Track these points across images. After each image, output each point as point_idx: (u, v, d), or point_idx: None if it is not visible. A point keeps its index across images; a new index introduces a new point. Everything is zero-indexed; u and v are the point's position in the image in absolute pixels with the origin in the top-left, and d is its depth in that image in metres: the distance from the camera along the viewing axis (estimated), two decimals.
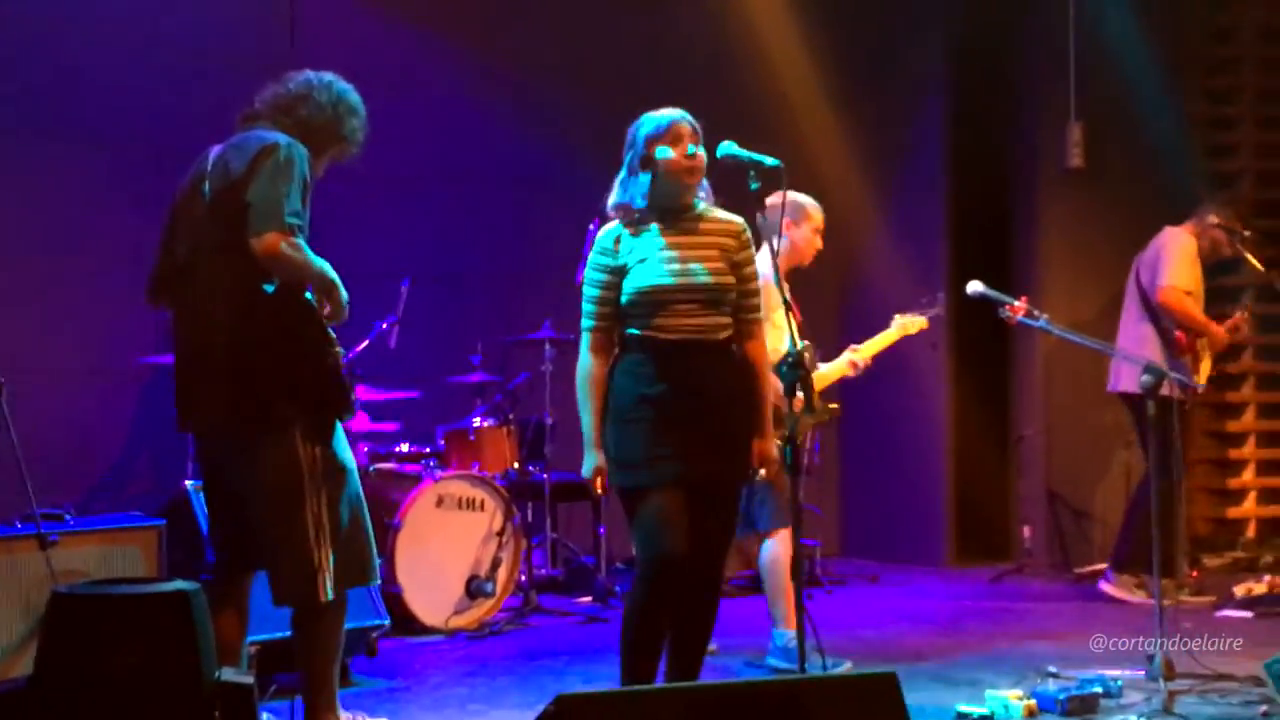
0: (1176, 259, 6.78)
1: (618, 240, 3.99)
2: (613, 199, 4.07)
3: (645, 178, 3.98)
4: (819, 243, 5.49)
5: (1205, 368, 6.80)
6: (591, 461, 3.95)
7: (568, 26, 7.82)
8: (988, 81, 8.32)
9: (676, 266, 3.93)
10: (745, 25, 7.82)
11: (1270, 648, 4.41)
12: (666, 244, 3.96)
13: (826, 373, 5.46)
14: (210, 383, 3.76)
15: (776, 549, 5.16)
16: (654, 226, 3.99)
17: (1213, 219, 6.92)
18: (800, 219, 5.40)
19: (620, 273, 3.95)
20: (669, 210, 4.00)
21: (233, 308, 3.72)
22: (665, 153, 3.96)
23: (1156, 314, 6.78)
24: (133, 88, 6.55)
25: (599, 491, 3.97)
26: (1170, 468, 6.38)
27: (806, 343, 5.30)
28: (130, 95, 6.54)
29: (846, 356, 5.54)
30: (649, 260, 3.93)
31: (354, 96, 4.00)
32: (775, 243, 5.31)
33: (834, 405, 5.44)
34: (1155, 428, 4.86)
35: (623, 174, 4.06)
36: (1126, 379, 6.82)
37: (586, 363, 3.99)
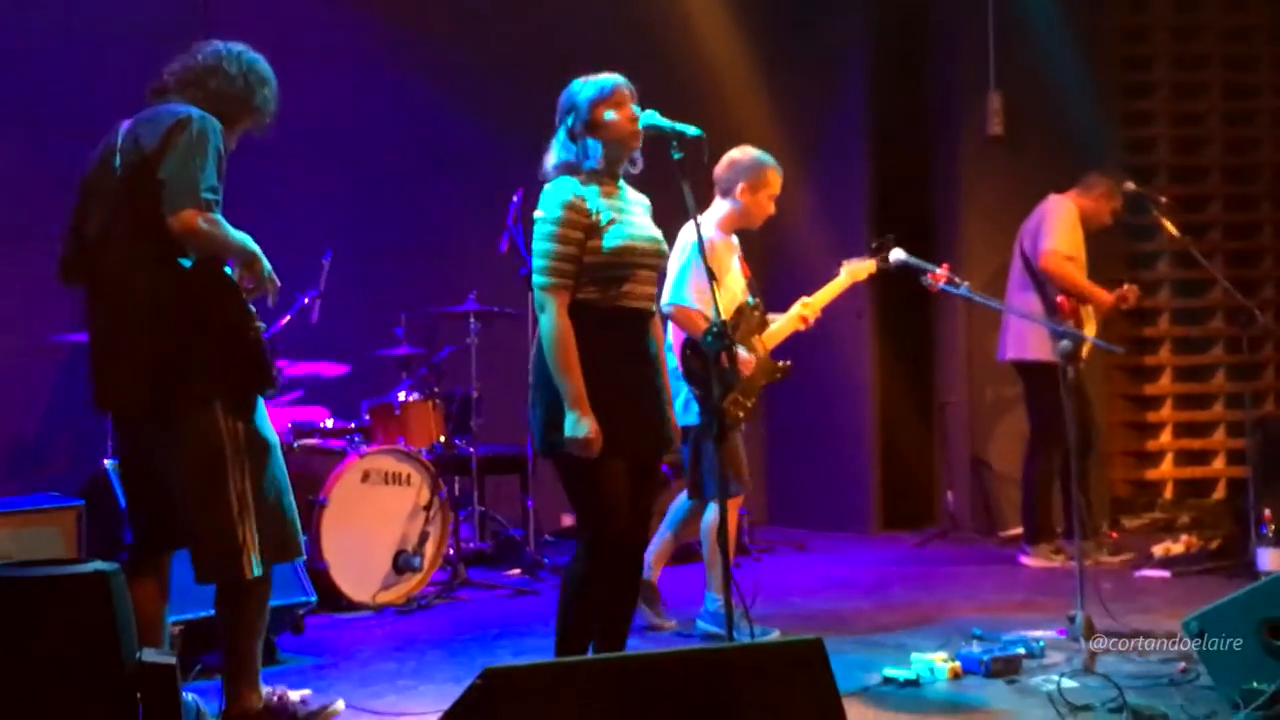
0: (1058, 225, 6.86)
1: (583, 197, 3.84)
2: (554, 159, 3.97)
3: (595, 143, 3.92)
4: (771, 208, 5.44)
5: (1090, 334, 6.78)
6: (586, 424, 3.71)
7: None
8: (909, 50, 8.37)
9: (642, 230, 3.92)
10: None
11: (1187, 606, 4.49)
12: (620, 207, 3.92)
13: (778, 329, 5.41)
14: (128, 360, 3.70)
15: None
16: (600, 188, 3.90)
17: (1130, 185, 7.01)
18: (759, 185, 5.33)
19: (591, 231, 3.81)
20: (609, 175, 3.96)
21: (149, 284, 3.66)
22: (613, 115, 3.92)
23: (1040, 280, 6.86)
24: (42, 60, 6.42)
25: (597, 451, 3.74)
26: (1064, 434, 6.52)
27: (756, 300, 5.35)
28: (40, 68, 6.41)
29: (797, 310, 5.45)
30: (620, 221, 3.86)
31: (264, 66, 3.94)
32: (724, 203, 5.31)
33: (786, 363, 5.41)
34: (1070, 394, 4.92)
35: (561, 136, 3.97)
36: (1014, 347, 6.92)
37: (559, 323, 3.76)
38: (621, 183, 4.04)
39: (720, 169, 5.33)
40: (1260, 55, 8.42)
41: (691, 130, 3.91)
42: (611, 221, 3.84)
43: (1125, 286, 7.05)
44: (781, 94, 8.19)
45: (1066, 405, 5.01)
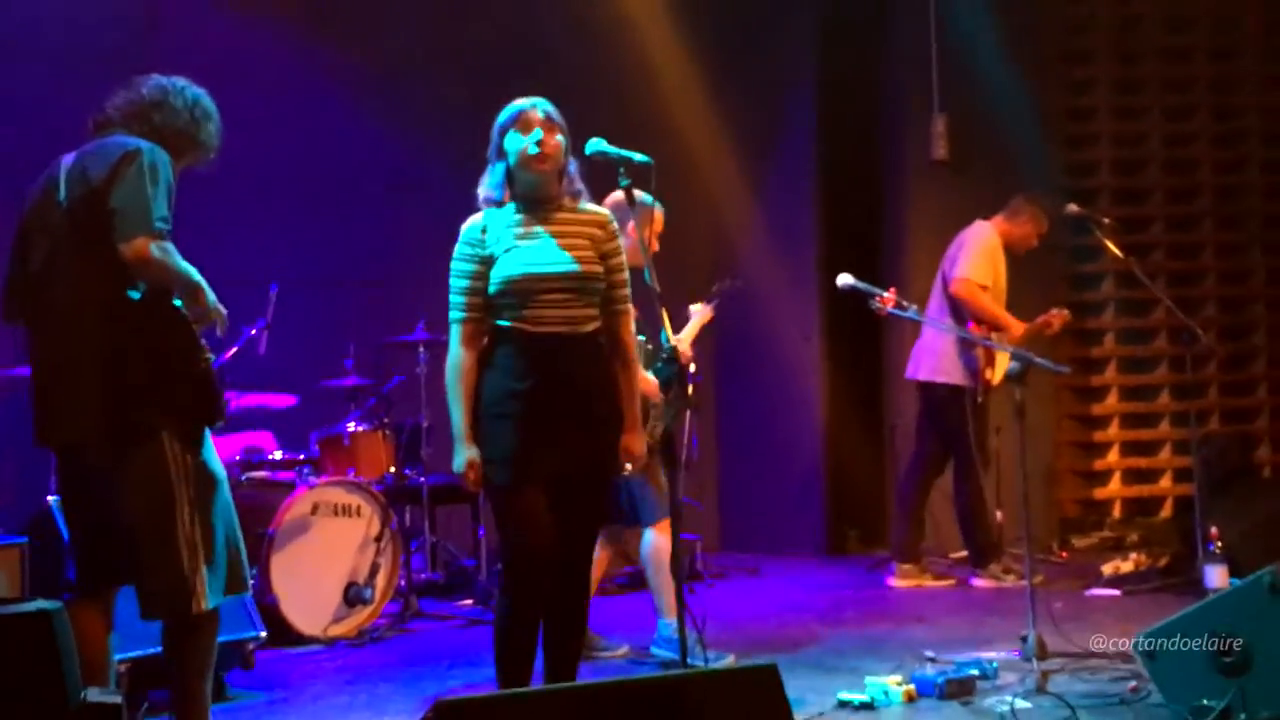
0: (975, 253, 6.92)
1: (484, 231, 3.95)
2: (481, 189, 4.05)
3: (500, 166, 3.99)
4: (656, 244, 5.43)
5: (1001, 362, 6.72)
6: (463, 455, 3.87)
7: (435, 22, 7.76)
8: (854, 75, 8.44)
9: (544, 255, 3.91)
10: (615, 21, 7.83)
11: (1137, 624, 4.52)
12: (532, 233, 3.94)
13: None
14: (75, 393, 3.65)
15: (658, 540, 5.16)
16: (519, 217, 3.97)
17: (1073, 208, 7.08)
18: (645, 222, 5.31)
19: (488, 262, 3.91)
20: (533, 200, 3.99)
21: (97, 315, 3.62)
22: (514, 141, 3.95)
23: (955, 305, 6.92)
24: None
25: (473, 486, 3.90)
26: (973, 453, 6.61)
27: (645, 337, 5.33)
28: None
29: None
30: (515, 250, 3.90)
31: (209, 102, 3.93)
32: (644, 233, 5.28)
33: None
34: (1016, 416, 4.94)
35: (489, 163, 4.06)
36: (925, 368, 6.98)
37: (457, 355, 3.93)
38: (568, 200, 4.02)
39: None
40: (1198, 77, 8.55)
41: (638, 157, 3.94)
42: (507, 250, 3.90)
43: (1052, 311, 7.09)
44: (730, 118, 8.23)
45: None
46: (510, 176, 3.98)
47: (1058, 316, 7.06)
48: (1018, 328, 6.91)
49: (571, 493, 3.93)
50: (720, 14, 8.28)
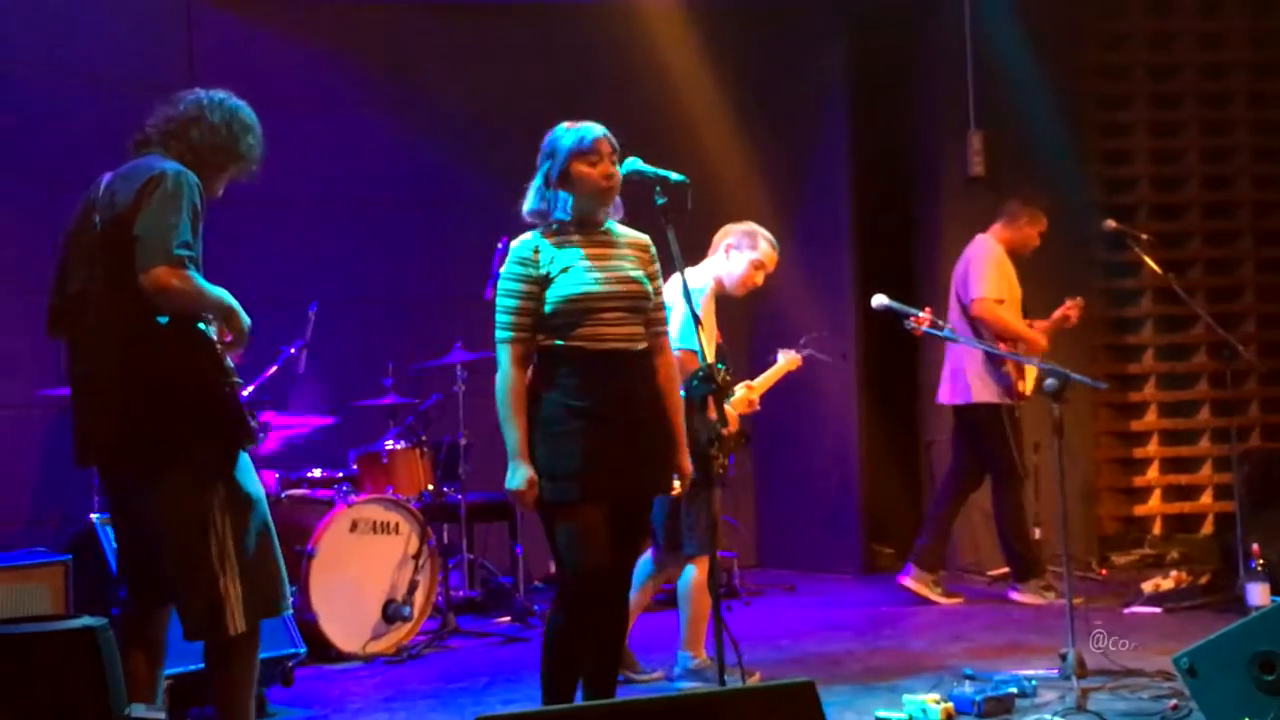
0: (983, 268, 6.87)
1: (536, 250, 3.92)
2: (528, 204, 4.02)
3: (566, 196, 3.96)
4: (758, 280, 5.47)
5: (1031, 374, 6.78)
6: (523, 473, 3.83)
7: (470, 46, 7.82)
8: (888, 93, 8.43)
9: (602, 274, 3.91)
10: (647, 41, 7.86)
11: (1178, 642, 4.49)
12: (587, 254, 3.94)
13: (729, 410, 5.40)
14: (106, 416, 3.68)
15: (698, 576, 5.15)
16: (572, 237, 3.95)
17: (1111, 223, 7.07)
18: (744, 248, 5.41)
19: (543, 282, 3.88)
20: (587, 223, 3.99)
21: (125, 340, 3.64)
22: (585, 170, 3.93)
23: (975, 325, 6.86)
24: (28, 114, 6.44)
25: (530, 504, 3.86)
26: (1016, 468, 6.59)
27: (725, 365, 5.33)
28: (26, 121, 6.43)
29: (743, 394, 5.50)
30: (574, 269, 3.89)
31: (248, 113, 3.92)
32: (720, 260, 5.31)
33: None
34: (1054, 433, 4.93)
35: (538, 181, 4.01)
36: (956, 392, 6.93)
37: (509, 375, 3.88)
38: (612, 224, 4.05)
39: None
40: (1236, 91, 8.51)
41: (675, 176, 3.95)
42: (564, 270, 3.89)
43: (1067, 302, 7.04)
44: (763, 138, 8.24)
45: (1053, 444, 5.03)
46: (573, 202, 3.96)
47: (1073, 308, 7.02)
48: (1039, 339, 6.88)
49: (628, 511, 3.95)
50: (753, 34, 8.29)
